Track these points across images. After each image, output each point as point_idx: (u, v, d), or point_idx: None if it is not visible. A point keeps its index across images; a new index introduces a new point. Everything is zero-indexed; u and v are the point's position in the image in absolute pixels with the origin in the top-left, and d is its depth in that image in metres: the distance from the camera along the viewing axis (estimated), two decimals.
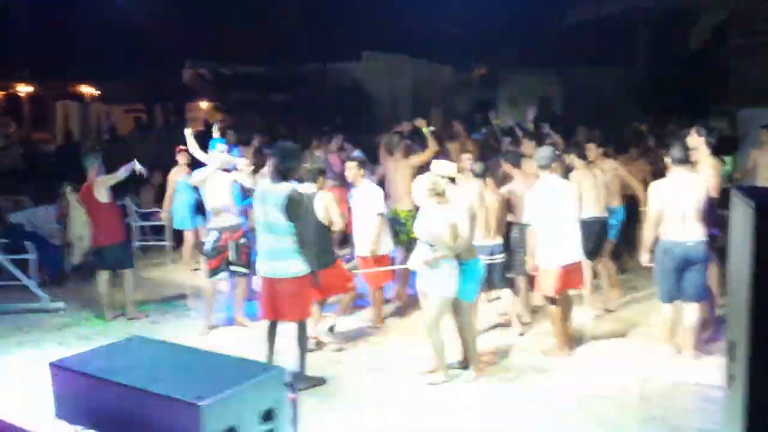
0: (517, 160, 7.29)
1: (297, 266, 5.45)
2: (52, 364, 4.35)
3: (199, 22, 16.69)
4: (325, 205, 6.20)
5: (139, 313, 7.65)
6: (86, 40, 16.24)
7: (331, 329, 6.72)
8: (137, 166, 7.54)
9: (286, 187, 5.40)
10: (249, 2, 16.49)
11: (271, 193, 5.42)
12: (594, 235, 7.08)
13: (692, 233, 5.81)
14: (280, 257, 5.42)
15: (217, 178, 6.92)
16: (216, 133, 7.60)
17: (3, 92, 21.11)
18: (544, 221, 6.03)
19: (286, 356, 5.58)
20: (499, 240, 6.66)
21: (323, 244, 6.24)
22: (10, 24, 14.82)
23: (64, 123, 21.79)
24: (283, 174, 5.44)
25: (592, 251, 7.10)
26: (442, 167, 5.74)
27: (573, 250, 6.12)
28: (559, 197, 6.06)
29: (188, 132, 7.81)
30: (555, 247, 6.02)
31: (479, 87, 19.59)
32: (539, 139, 8.52)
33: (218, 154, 7.03)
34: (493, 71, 18.97)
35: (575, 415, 5.09)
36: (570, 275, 6.14)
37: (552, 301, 6.17)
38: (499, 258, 6.61)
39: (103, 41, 16.28)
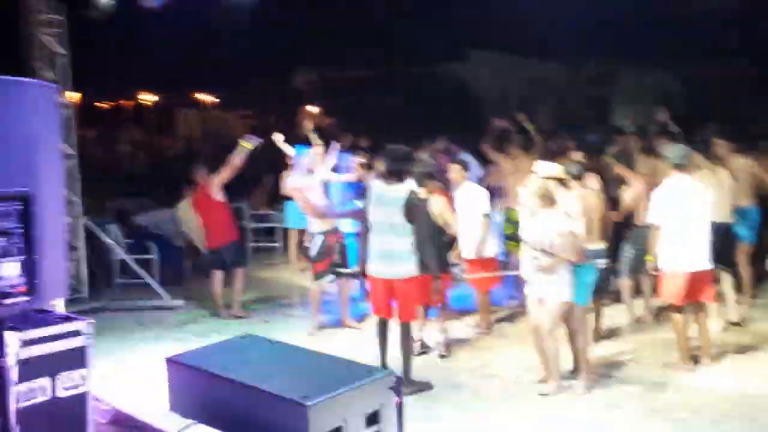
0: (629, 161, 6.97)
1: (411, 268, 5.45)
2: (167, 360, 4.51)
3: (308, 27, 17.06)
4: (439, 209, 6.15)
5: (245, 311, 7.84)
6: (205, 51, 16.98)
7: (443, 334, 6.58)
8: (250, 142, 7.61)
9: (406, 189, 5.42)
10: (356, 5, 16.68)
11: (389, 194, 5.44)
12: (717, 240, 6.61)
13: None
14: (395, 258, 5.43)
15: (314, 183, 6.98)
16: (313, 137, 7.69)
17: (130, 101, 22.45)
18: (671, 222, 5.68)
19: (393, 360, 5.55)
20: (602, 245, 6.35)
21: (439, 249, 6.18)
22: (136, 37, 15.73)
23: (185, 130, 22.93)
24: (395, 175, 5.46)
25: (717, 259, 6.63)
26: (547, 169, 5.55)
27: (702, 255, 5.72)
28: (687, 197, 5.70)
29: (277, 138, 8.00)
30: (681, 249, 5.66)
31: (593, 85, 18.85)
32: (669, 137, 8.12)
33: (306, 159, 7.10)
34: (607, 68, 18.17)
35: None
36: (697, 283, 5.74)
37: (676, 309, 5.79)
38: (602, 264, 6.28)
39: (221, 50, 16.97)
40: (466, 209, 6.76)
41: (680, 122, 9.63)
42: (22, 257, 2.52)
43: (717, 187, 6.62)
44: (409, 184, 5.52)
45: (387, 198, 5.44)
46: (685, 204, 5.68)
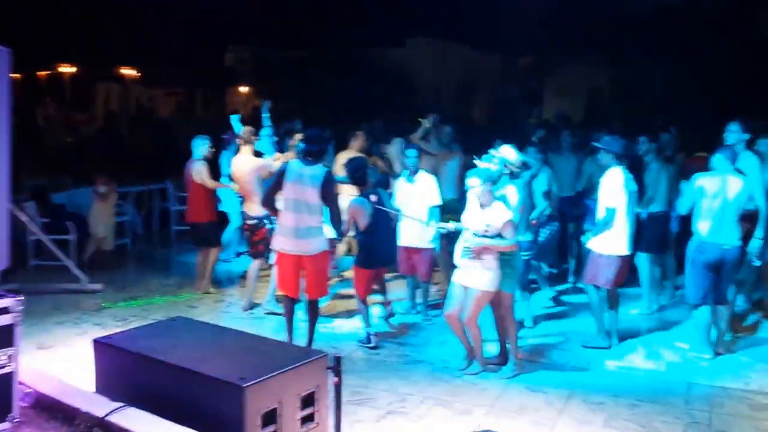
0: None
1: (321, 244, 5.69)
2: (95, 341, 4.33)
3: (241, 5, 16.66)
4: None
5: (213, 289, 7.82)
6: (128, 22, 16.31)
7: (388, 319, 6.69)
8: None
9: (322, 169, 5.65)
10: None
11: (305, 174, 5.61)
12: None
13: None
14: (308, 234, 5.60)
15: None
16: (266, 117, 7.53)
17: (45, 72, 21.19)
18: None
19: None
20: (529, 236, 6.53)
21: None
22: (53, 5, 14.97)
23: (104, 105, 22.00)
24: (312, 156, 5.68)
25: None
26: (489, 162, 5.74)
27: None
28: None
29: (235, 118, 7.81)
30: None
31: (526, 76, 19.06)
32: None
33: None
34: (541, 60, 18.40)
35: (616, 415, 4.93)
36: None
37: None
38: (527, 255, 6.48)
39: (145, 23, 16.36)
40: (415, 198, 6.80)
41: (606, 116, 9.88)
42: None
43: None
44: (322, 166, 5.73)
45: (304, 178, 5.59)
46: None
